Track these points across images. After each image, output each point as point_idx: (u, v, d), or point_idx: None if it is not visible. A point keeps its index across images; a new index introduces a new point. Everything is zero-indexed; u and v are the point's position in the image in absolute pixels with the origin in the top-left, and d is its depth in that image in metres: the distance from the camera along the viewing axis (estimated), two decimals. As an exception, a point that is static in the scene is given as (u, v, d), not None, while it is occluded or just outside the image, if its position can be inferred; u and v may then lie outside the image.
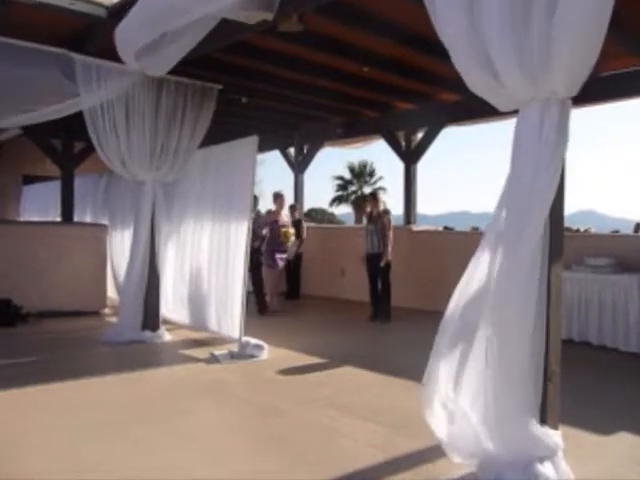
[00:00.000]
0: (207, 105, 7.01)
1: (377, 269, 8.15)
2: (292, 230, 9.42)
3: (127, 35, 5.39)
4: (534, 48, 2.82)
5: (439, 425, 3.21)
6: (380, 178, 43.18)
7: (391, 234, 8.16)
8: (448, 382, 3.19)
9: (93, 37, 6.28)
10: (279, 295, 9.59)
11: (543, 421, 3.02)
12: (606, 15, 2.73)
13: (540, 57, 2.82)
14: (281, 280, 9.79)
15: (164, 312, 7.02)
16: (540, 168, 2.96)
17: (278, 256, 9.19)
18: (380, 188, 38.72)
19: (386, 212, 8.49)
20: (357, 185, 43.70)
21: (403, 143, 10.08)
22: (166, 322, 7.03)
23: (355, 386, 5.07)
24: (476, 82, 3.12)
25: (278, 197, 9.52)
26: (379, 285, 8.26)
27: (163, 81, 6.55)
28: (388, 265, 8.10)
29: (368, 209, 8.84)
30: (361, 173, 43.67)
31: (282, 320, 8.42)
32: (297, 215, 10.82)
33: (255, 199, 8.67)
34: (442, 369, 3.20)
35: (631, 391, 5.00)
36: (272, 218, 9.27)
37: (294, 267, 10.51)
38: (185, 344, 6.68)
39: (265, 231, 9.03)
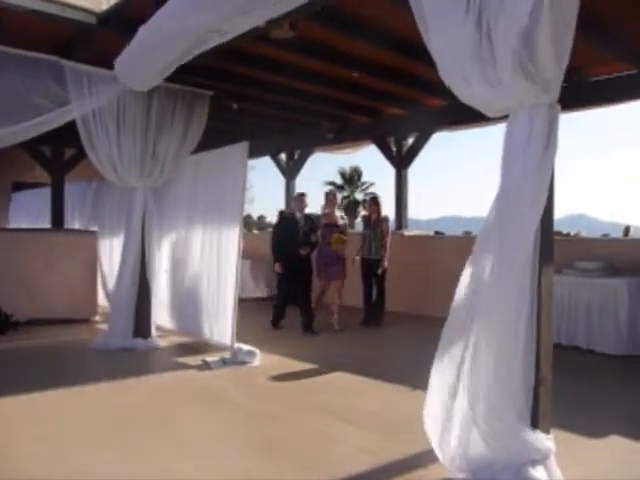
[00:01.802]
0: (199, 111, 7.01)
1: (374, 275, 8.12)
2: (346, 236, 7.97)
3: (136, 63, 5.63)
4: (517, 56, 2.85)
5: (435, 431, 3.21)
6: (372, 184, 43.32)
7: (389, 240, 8.14)
8: (444, 387, 3.19)
9: (83, 44, 6.27)
10: (340, 310, 8.12)
11: (535, 425, 3.04)
12: (574, 18, 2.83)
13: (522, 64, 2.84)
14: (335, 292, 8.15)
15: (156, 319, 6.98)
16: (530, 173, 2.98)
17: (330, 265, 7.90)
18: (371, 194, 38.79)
19: (385, 219, 8.29)
20: (348, 190, 43.81)
21: (394, 148, 10.11)
22: (158, 329, 6.99)
23: (347, 391, 5.07)
24: (464, 92, 3.15)
25: (329, 196, 8.45)
26: (374, 291, 8.24)
27: (154, 87, 6.54)
28: (384, 271, 8.08)
29: (367, 214, 8.43)
30: (352, 178, 43.81)
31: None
32: None
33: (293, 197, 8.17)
34: (441, 374, 3.20)
35: (621, 394, 5.03)
36: (324, 221, 8.11)
37: None
38: (177, 351, 6.65)
39: (317, 236, 7.88)
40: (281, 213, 8.53)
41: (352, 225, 36.48)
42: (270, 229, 11.02)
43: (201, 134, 7.05)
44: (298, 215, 7.79)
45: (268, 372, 5.61)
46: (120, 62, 5.85)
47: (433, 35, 3.12)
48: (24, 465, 3.40)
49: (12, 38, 5.65)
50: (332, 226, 7.94)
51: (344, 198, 43.65)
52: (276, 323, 8.01)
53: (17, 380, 5.23)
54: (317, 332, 7.63)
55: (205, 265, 6.87)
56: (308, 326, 7.68)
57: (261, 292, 11.32)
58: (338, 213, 8.26)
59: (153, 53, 5.34)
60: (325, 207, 8.37)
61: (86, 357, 6.31)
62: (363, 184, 43.41)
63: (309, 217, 7.95)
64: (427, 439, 3.25)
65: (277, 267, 7.79)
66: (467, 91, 3.14)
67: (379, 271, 8.01)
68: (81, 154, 8.94)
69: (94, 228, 9.50)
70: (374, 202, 8.43)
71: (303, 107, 9.31)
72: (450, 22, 3.03)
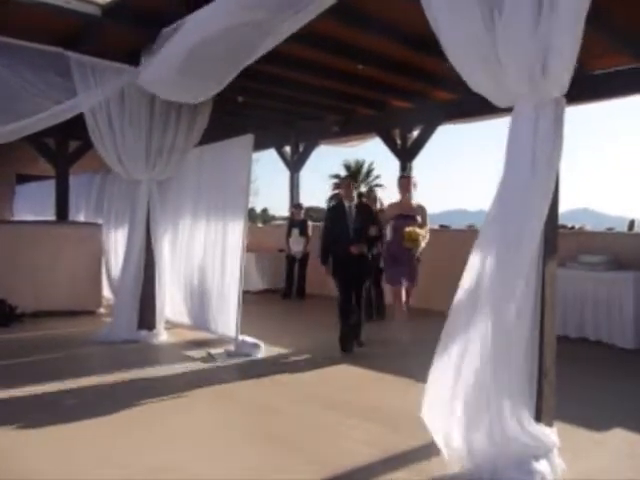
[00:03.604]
0: (203, 103, 6.98)
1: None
2: (422, 231, 6.04)
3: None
4: (529, 47, 2.83)
5: (436, 423, 3.21)
6: (377, 177, 43.20)
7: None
8: (446, 380, 3.19)
9: (88, 36, 6.25)
10: (405, 318, 6.43)
11: (538, 418, 3.04)
12: (584, 12, 2.80)
13: (534, 55, 2.83)
14: (398, 299, 6.44)
15: (161, 311, 6.99)
16: (536, 167, 2.97)
17: (398, 266, 6.26)
18: (377, 185, 38.71)
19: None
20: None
21: (399, 141, 10.08)
22: (164, 321, 7.01)
23: (351, 384, 5.08)
24: (473, 78, 3.13)
25: (402, 180, 6.59)
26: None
27: (158, 80, 6.53)
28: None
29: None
30: (358, 171, 43.68)
31: (282, 319, 8.42)
32: (302, 214, 10.78)
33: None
34: (443, 367, 3.19)
35: (625, 387, 5.02)
36: (394, 211, 6.44)
37: (300, 266, 10.51)
38: (181, 343, 6.67)
39: (387, 230, 6.35)
40: (330, 202, 7.47)
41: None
42: (275, 222, 10.96)
43: (204, 127, 7.03)
44: (347, 204, 6.24)
45: (272, 364, 5.62)
46: (143, 80, 6.00)
47: (442, 25, 3.10)
48: (30, 457, 3.42)
49: (17, 31, 5.63)
50: (406, 217, 6.22)
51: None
52: (345, 345, 6.19)
53: (20, 373, 5.27)
54: (363, 343, 6.33)
55: (209, 258, 6.88)
56: (359, 339, 6.31)
57: (265, 285, 11.35)
58: (415, 201, 6.46)
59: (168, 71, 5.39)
60: (401, 192, 6.51)
61: (90, 349, 6.33)
62: (369, 177, 43.21)
63: (363, 206, 6.42)
64: (431, 434, 3.25)
65: (325, 270, 6.39)
66: (477, 80, 3.12)
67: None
68: (85, 146, 8.96)
69: (99, 220, 9.52)
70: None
71: (308, 100, 9.28)
72: (459, 14, 3.01)
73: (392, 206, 6.65)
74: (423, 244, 6.04)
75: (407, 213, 6.28)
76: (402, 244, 5.98)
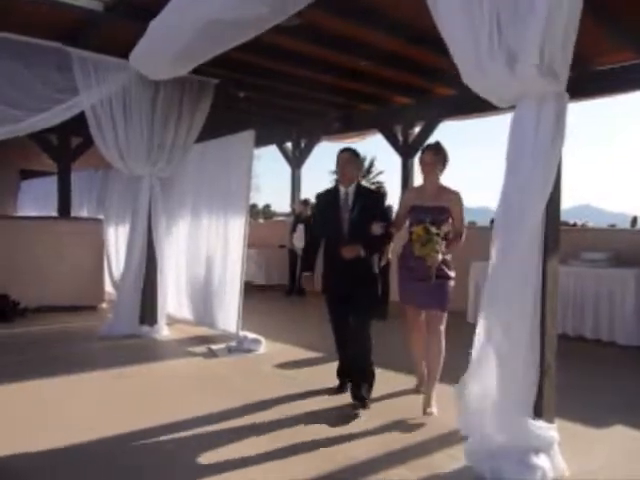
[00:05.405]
0: (204, 99, 7.00)
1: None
2: (441, 230, 3.93)
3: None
4: (523, 44, 2.83)
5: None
6: (380, 173, 43.15)
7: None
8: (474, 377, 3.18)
9: (90, 32, 6.25)
10: (434, 372, 4.22)
11: (539, 414, 3.05)
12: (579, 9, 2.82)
13: (529, 52, 2.83)
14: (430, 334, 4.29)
15: (163, 307, 7.01)
16: (537, 162, 2.97)
17: (415, 280, 4.16)
18: (378, 182, 38.67)
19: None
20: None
21: (400, 137, 10.07)
22: (165, 317, 7.02)
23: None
24: (473, 78, 3.13)
25: (425, 156, 4.23)
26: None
27: (160, 75, 6.53)
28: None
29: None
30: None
31: (283, 316, 8.42)
32: (309, 211, 10.70)
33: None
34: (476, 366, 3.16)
35: (626, 384, 5.03)
36: (411, 200, 4.33)
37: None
38: (183, 339, 6.68)
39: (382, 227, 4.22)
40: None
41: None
42: (276, 218, 10.87)
43: (203, 122, 7.02)
44: (342, 189, 4.36)
45: (273, 360, 5.64)
46: (134, 55, 5.88)
47: (444, 23, 3.10)
48: (26, 455, 3.43)
49: (18, 27, 5.63)
50: (425, 210, 4.17)
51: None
52: (341, 381, 4.68)
53: (22, 367, 5.27)
54: (367, 402, 4.25)
55: (211, 254, 6.89)
56: (357, 391, 4.30)
57: (266, 280, 11.35)
58: (444, 185, 4.27)
59: (163, 45, 5.32)
60: (423, 173, 4.30)
61: (92, 344, 6.34)
62: (370, 173, 43.14)
63: (366, 191, 4.48)
64: (432, 428, 3.26)
65: (304, 281, 4.76)
66: (477, 80, 3.12)
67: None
68: (87, 142, 8.95)
69: (100, 216, 9.55)
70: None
71: (309, 96, 9.28)
72: (461, 11, 3.01)
73: (410, 193, 4.60)
74: (440, 250, 3.89)
75: (430, 204, 4.18)
76: (410, 246, 4.13)
